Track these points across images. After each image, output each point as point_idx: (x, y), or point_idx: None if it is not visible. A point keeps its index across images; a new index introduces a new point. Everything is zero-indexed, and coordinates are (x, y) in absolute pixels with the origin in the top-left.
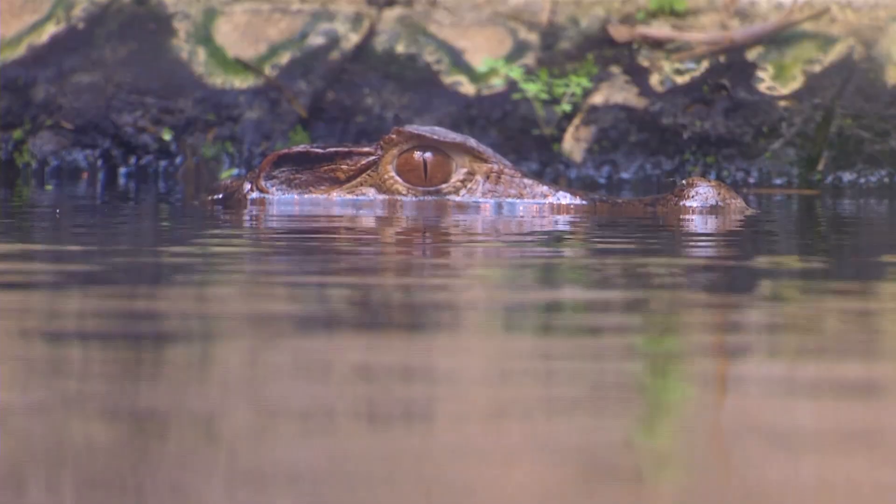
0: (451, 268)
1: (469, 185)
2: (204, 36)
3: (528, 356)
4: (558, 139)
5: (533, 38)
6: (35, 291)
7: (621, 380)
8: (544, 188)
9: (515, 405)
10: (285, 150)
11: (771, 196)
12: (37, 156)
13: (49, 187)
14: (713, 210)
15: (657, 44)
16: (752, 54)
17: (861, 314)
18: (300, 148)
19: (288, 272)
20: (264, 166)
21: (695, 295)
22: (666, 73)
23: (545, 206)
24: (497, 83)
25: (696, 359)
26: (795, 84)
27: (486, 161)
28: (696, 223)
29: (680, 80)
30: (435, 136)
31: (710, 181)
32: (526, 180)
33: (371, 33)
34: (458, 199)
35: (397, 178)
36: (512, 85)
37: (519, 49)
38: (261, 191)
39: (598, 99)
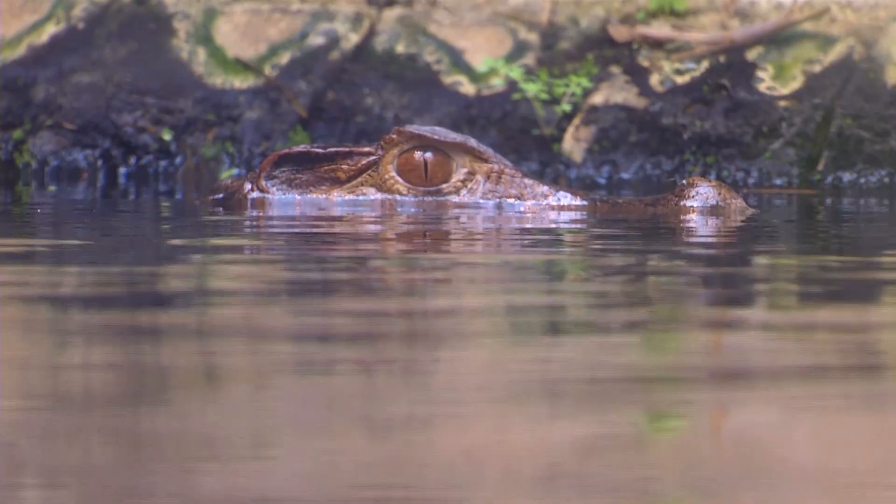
0: (453, 272)
1: (469, 185)
2: (204, 36)
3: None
4: (558, 139)
5: (533, 38)
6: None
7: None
8: (544, 188)
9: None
10: (286, 150)
11: (770, 196)
12: (37, 156)
13: (52, 188)
14: (713, 210)
15: (657, 44)
16: (752, 54)
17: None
18: (301, 148)
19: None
20: (265, 166)
21: (695, 292)
22: (666, 73)
23: (545, 206)
24: (497, 83)
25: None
26: (795, 84)
27: (486, 161)
28: (697, 223)
29: (680, 80)
30: (435, 136)
31: (710, 181)
32: (526, 180)
33: (371, 33)
34: (458, 199)
35: (398, 178)
36: (512, 85)
37: (519, 49)
38: (261, 191)
39: (598, 99)
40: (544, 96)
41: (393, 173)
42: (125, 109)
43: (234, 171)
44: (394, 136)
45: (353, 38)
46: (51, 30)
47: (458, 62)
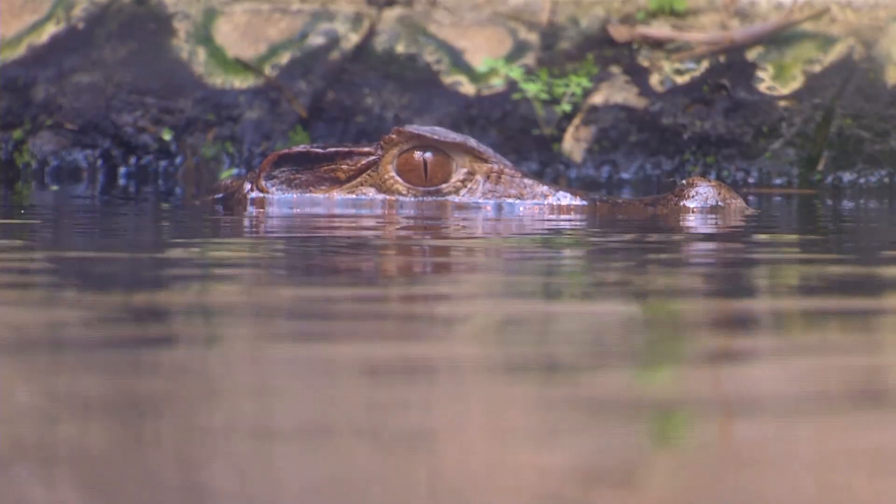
0: (452, 272)
1: (469, 185)
2: (204, 36)
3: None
4: (558, 139)
5: (533, 38)
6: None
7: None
8: (544, 188)
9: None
10: (286, 150)
11: (770, 196)
12: (37, 156)
13: (54, 188)
14: (713, 210)
15: (657, 44)
16: (752, 54)
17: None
18: (300, 148)
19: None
20: (265, 166)
21: (695, 290)
22: (666, 73)
23: (545, 206)
24: (497, 83)
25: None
26: (795, 84)
27: (486, 161)
28: (697, 223)
29: (680, 80)
30: (435, 136)
31: (710, 181)
32: (526, 180)
33: (371, 33)
34: (458, 199)
35: (397, 178)
36: (512, 85)
37: (519, 49)
38: (261, 191)
39: (598, 99)
40: (544, 96)
41: (393, 173)
42: (125, 109)
43: (234, 170)
44: (393, 136)
45: (353, 38)
46: (51, 30)
47: (458, 62)
